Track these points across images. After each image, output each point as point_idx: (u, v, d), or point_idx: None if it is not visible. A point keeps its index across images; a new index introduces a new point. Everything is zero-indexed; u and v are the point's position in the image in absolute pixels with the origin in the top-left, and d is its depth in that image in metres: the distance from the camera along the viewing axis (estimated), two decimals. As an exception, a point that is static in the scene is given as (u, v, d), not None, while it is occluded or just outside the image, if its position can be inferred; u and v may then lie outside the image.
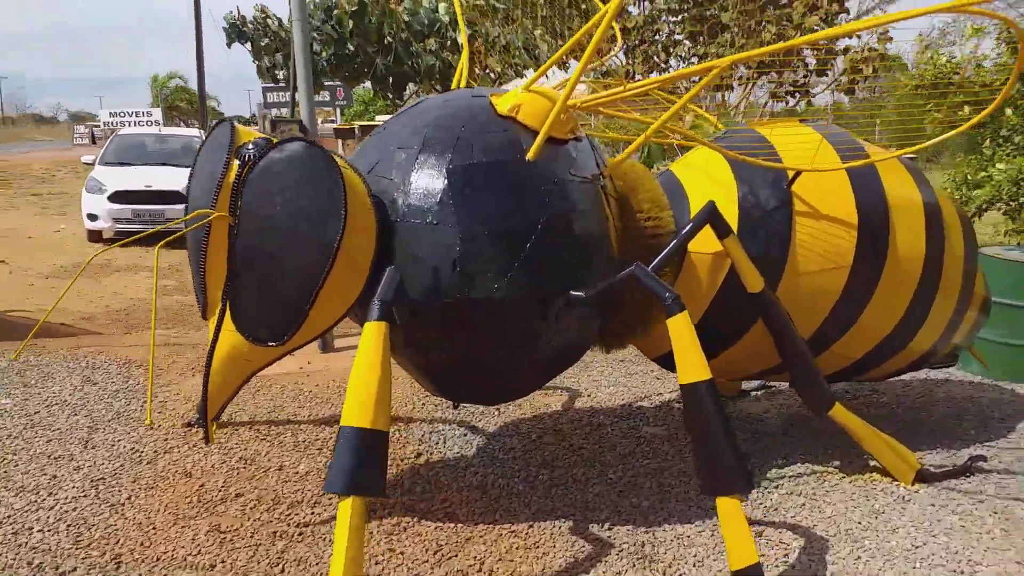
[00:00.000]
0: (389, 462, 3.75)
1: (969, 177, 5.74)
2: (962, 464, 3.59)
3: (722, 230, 3.12)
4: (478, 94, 3.01)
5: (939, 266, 3.53)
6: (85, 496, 3.34)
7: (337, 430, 2.45)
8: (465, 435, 4.09)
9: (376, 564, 2.86)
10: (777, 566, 2.86)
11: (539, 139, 2.73)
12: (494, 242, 2.69)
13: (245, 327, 2.70)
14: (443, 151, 2.78)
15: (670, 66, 11.57)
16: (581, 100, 2.92)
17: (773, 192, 3.35)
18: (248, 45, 12.75)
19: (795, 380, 3.34)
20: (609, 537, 3.07)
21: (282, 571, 2.81)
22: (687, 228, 3.10)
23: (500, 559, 2.92)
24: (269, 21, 12.50)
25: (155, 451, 3.82)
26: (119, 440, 3.93)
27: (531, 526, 3.15)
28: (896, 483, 3.47)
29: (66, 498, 3.32)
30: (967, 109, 5.50)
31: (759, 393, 4.79)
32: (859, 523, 3.15)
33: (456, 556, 2.94)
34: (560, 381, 5.03)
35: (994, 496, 3.37)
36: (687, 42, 11.45)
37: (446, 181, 2.72)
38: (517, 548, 3.00)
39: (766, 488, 3.47)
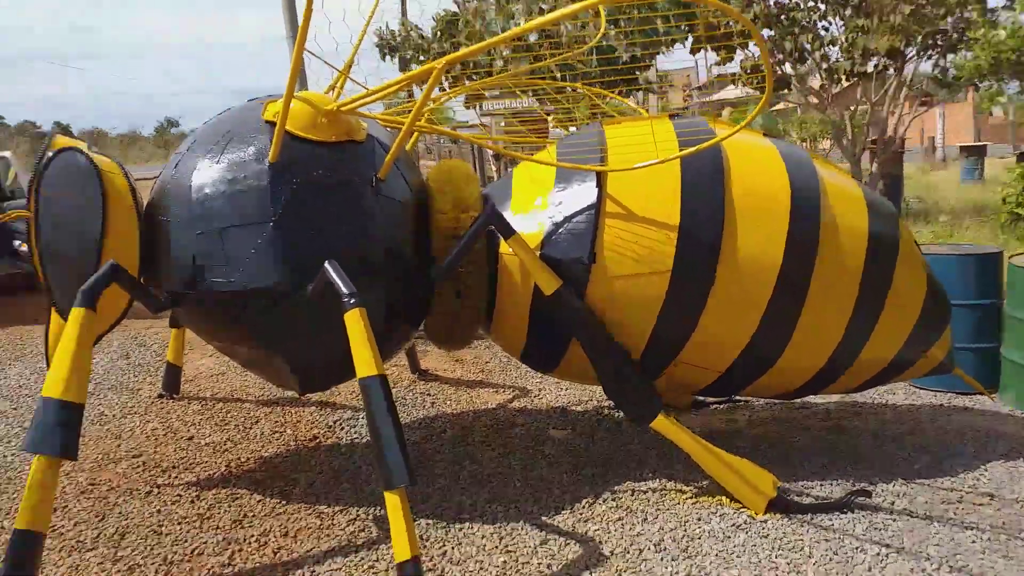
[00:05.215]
0: (283, 441, 4.07)
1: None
2: (838, 498, 3.11)
3: (504, 231, 3.06)
4: (265, 100, 3.22)
5: (806, 271, 3.12)
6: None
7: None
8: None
9: (178, 524, 3.18)
10: (517, 573, 2.75)
11: (275, 140, 2.88)
12: (225, 238, 2.89)
13: (62, 312, 3.13)
14: (200, 154, 3.04)
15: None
16: (339, 104, 3.03)
17: (582, 193, 3.23)
18: (396, 59, 13.74)
19: (604, 386, 3.15)
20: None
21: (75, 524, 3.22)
22: (469, 230, 3.09)
23: (286, 534, 3.09)
24: (414, 34, 13.39)
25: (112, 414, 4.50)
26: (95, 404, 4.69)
27: (341, 511, 3.27)
28: (745, 510, 3.11)
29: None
30: None
31: (719, 407, 4.42)
32: (655, 545, 2.88)
33: (241, 528, 3.15)
34: (518, 380, 5.02)
35: (858, 537, 2.88)
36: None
37: (190, 180, 2.98)
38: (310, 528, 3.14)
39: (602, 499, 3.26)
